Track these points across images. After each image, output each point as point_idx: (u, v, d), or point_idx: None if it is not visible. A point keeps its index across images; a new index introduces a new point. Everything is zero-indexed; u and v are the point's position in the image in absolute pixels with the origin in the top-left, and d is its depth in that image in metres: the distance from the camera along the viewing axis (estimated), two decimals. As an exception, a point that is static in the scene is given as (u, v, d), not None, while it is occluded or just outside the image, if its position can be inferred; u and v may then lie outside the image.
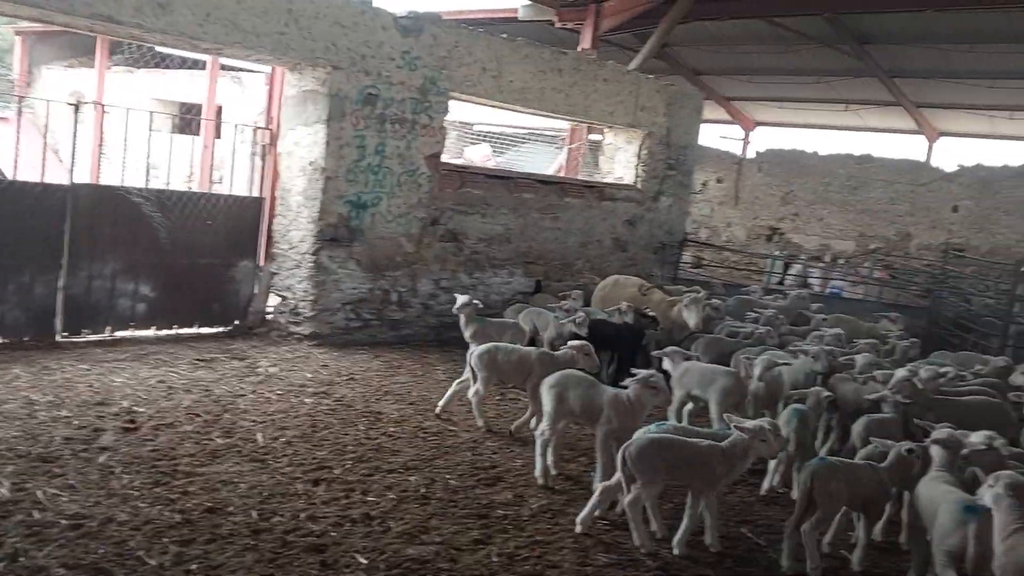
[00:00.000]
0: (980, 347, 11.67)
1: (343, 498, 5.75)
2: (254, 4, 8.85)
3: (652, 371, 6.41)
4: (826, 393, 7.08)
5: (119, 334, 9.34)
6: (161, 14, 8.24)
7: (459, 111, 17.10)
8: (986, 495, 4.47)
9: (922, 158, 24.42)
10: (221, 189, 11.98)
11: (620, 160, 14.16)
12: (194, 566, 4.64)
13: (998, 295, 13.04)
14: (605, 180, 14.11)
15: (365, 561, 4.91)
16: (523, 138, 19.66)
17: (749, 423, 5.51)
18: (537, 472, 6.49)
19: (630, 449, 5.37)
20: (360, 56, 9.80)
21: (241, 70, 16.75)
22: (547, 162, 18.48)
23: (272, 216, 10.33)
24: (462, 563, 5.03)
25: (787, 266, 21.51)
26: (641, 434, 5.65)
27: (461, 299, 9.19)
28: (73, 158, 9.18)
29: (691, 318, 9.65)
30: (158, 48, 16.40)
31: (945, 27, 18.51)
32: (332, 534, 5.21)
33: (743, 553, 5.65)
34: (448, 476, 6.42)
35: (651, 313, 9.77)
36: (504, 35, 11.73)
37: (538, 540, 5.48)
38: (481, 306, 9.39)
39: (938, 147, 25.04)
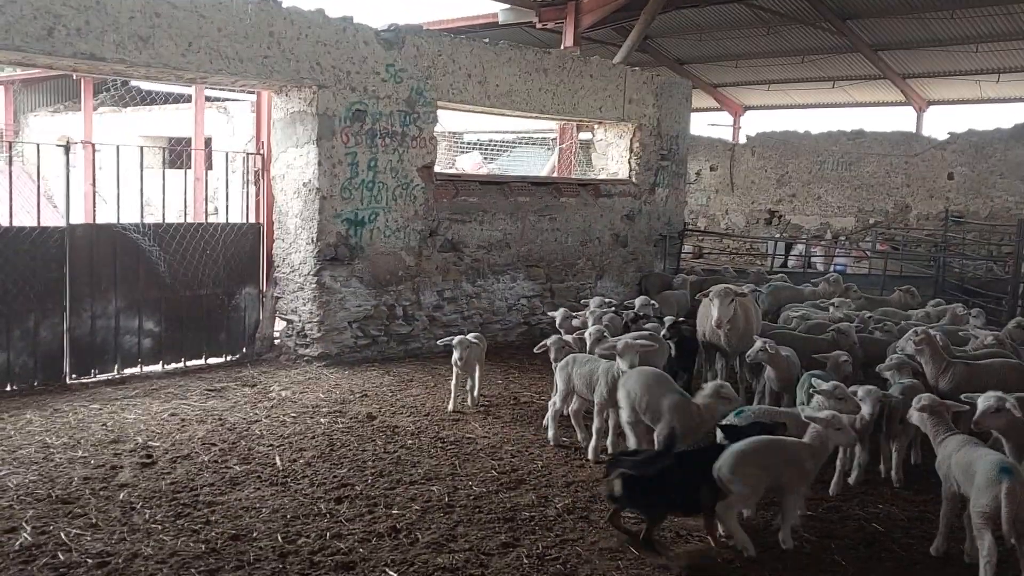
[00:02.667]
0: (989, 310, 11.64)
1: (367, 513, 5.70)
2: (235, 30, 8.84)
3: (723, 381, 6.22)
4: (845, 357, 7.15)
5: (128, 371, 9.30)
6: (143, 47, 8.23)
7: (448, 121, 17.15)
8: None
9: (913, 129, 24.43)
10: (217, 219, 11.96)
11: (613, 155, 14.14)
12: (224, 594, 4.60)
13: (1002, 258, 13.04)
14: (599, 177, 14.08)
15: (395, 574, 4.87)
16: (513, 143, 19.65)
17: (821, 413, 5.50)
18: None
19: (722, 470, 5.18)
20: (345, 73, 9.79)
21: (227, 100, 16.80)
22: (540, 165, 18.48)
23: (271, 241, 10.30)
24: (492, 567, 4.98)
25: (788, 248, 21.50)
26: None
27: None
28: (68, 199, 9.16)
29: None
30: (143, 85, 16.50)
31: (925, -4, 18.54)
32: (360, 550, 5.16)
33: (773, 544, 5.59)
34: (470, 483, 6.37)
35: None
36: (486, 40, 11.72)
37: (567, 539, 5.44)
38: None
39: (929, 116, 25.11)
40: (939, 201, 22.23)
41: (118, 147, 9.75)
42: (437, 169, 11.52)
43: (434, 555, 5.12)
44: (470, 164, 18.51)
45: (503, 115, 12.94)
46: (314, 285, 9.89)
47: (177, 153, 17.11)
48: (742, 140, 26.94)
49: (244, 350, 10.24)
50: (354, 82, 9.88)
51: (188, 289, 9.74)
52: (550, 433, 7.41)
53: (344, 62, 9.78)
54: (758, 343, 7.46)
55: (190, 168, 14.17)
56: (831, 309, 9.96)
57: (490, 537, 5.41)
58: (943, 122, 23.92)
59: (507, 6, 16.10)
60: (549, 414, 7.51)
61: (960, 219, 20.88)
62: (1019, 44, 19.90)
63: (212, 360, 9.99)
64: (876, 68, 22.76)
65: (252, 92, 10.67)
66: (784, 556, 5.22)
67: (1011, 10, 18.52)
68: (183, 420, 7.71)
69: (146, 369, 9.48)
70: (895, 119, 25.56)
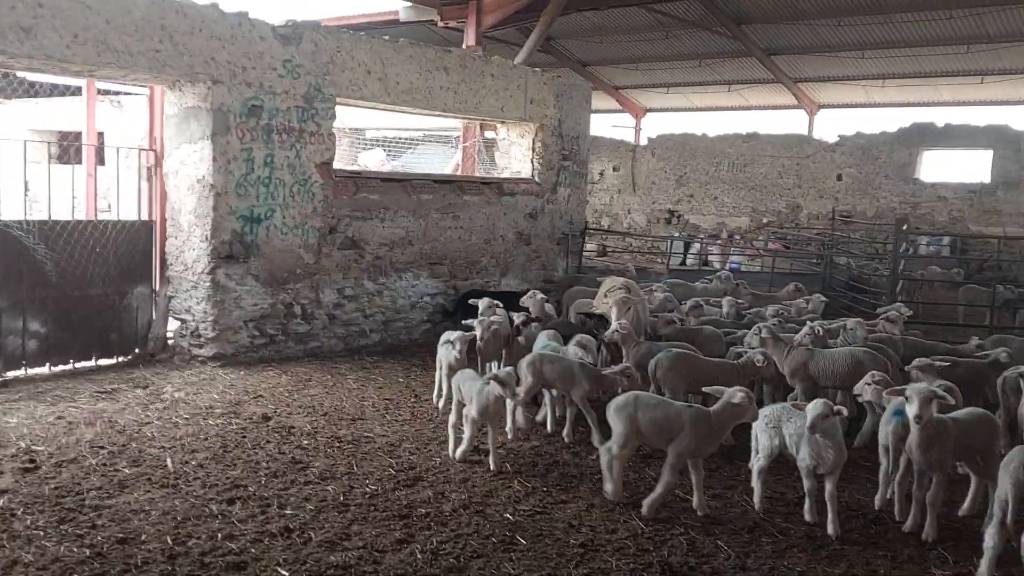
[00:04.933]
0: (872, 306, 12.26)
1: (260, 514, 5.65)
2: (125, 22, 8.61)
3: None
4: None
5: (11, 374, 8.91)
6: (25, 38, 7.93)
7: (350, 118, 17.02)
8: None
9: (805, 131, 25.39)
10: (110, 216, 11.59)
11: (515, 155, 14.28)
12: (108, 599, 4.50)
13: (886, 255, 13.74)
14: (503, 176, 14.20)
15: (287, 573, 4.85)
16: (417, 141, 19.62)
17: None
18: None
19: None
20: (240, 68, 9.63)
21: (121, 93, 16.26)
22: (443, 163, 18.50)
23: (164, 238, 10.05)
24: (385, 564, 5.02)
25: (687, 246, 22.08)
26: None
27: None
28: (-57, 195, 8.76)
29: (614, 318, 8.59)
30: (29, 76, 15.82)
31: (814, 3, 19.30)
32: (252, 550, 5.12)
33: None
34: (367, 482, 6.38)
35: (597, 311, 9.60)
36: (386, 37, 11.69)
37: (461, 533, 5.51)
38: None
39: (819, 120, 26.10)
40: (828, 201, 23.18)
41: (-1, 141, 9.36)
42: (338, 166, 11.44)
43: (327, 553, 5.12)
44: (373, 161, 18.41)
45: (404, 112, 12.92)
46: (208, 284, 9.69)
47: (66, 148, 16.50)
48: (643, 142, 27.54)
49: (136, 351, 9.96)
50: (250, 78, 9.73)
51: (77, 288, 9.41)
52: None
53: (239, 57, 9.63)
54: (613, 325, 8.27)
55: (80, 163, 13.70)
56: (723, 305, 10.36)
57: (384, 534, 5.44)
58: (833, 125, 24.91)
59: (409, 4, 16.08)
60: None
61: (848, 218, 21.82)
62: (900, 52, 20.91)
63: (103, 361, 9.68)
64: (769, 72, 23.56)
65: (144, 86, 10.40)
66: (670, 561, 5.38)
67: (892, 19, 19.46)
68: (70, 423, 7.47)
69: (31, 371, 9.12)
70: (789, 122, 26.47)
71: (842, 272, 15.15)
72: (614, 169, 27.26)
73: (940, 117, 22.49)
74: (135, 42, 8.69)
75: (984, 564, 4.94)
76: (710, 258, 21.35)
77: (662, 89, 26.92)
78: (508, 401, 6.82)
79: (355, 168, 15.46)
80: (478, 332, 8.20)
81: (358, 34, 11.30)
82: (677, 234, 23.55)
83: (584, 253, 16.72)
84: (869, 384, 6.44)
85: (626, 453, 6.06)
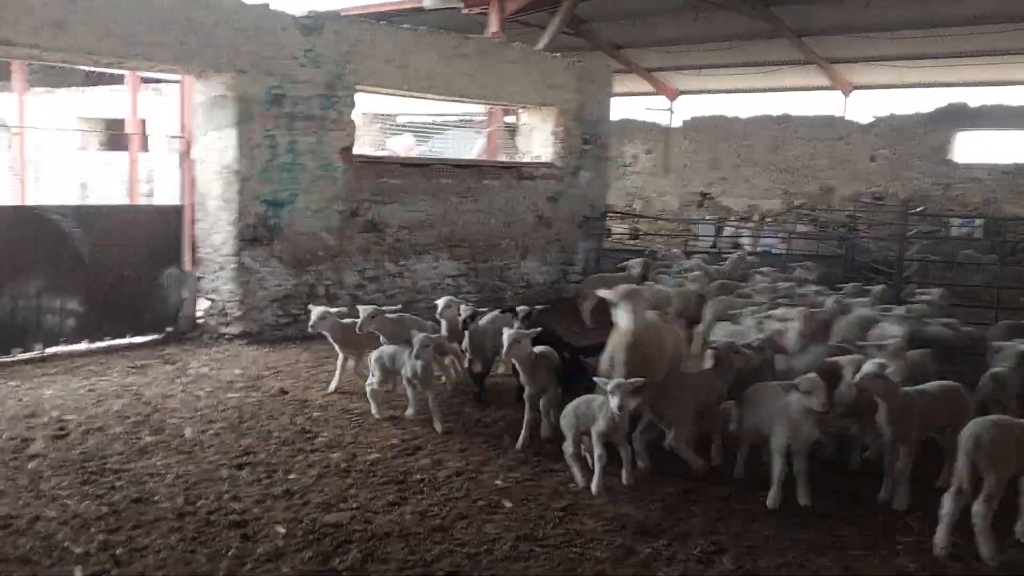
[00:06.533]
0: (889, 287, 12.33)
1: (265, 479, 6.08)
2: (153, 16, 9.06)
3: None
4: None
5: (50, 350, 9.49)
6: (58, 33, 8.42)
7: (379, 104, 17.43)
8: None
9: (839, 113, 25.22)
10: (153, 201, 12.16)
11: (537, 139, 14.52)
12: (119, 551, 4.95)
13: (909, 238, 13.77)
14: (524, 159, 14.48)
15: (283, 531, 5.26)
16: (445, 126, 19.97)
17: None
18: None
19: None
20: (263, 58, 10.05)
21: (161, 81, 16.84)
22: (470, 148, 18.83)
23: (193, 222, 10.54)
24: (376, 523, 5.40)
25: (719, 229, 22.15)
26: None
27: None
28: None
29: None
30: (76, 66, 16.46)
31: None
32: (254, 511, 5.55)
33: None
34: (369, 450, 6.77)
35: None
36: (406, 25, 12.03)
37: (451, 497, 5.88)
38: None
39: (853, 100, 25.88)
40: (862, 183, 23.09)
41: (48, 130, 9.89)
42: (368, 150, 11.84)
43: (323, 514, 5.53)
44: (402, 146, 18.81)
45: (424, 99, 13.26)
46: (234, 265, 10.17)
47: (113, 135, 17.14)
48: (676, 124, 27.58)
49: (169, 329, 10.47)
50: (273, 67, 10.15)
51: (112, 269, 9.94)
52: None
53: (262, 47, 10.04)
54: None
55: (124, 150, 14.29)
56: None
57: (379, 497, 5.83)
58: (867, 106, 24.67)
59: (433, -10, 16.39)
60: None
61: (880, 201, 21.72)
62: (933, 32, 20.69)
63: (136, 339, 10.20)
64: (801, 53, 23.44)
65: (176, 75, 10.88)
66: (644, 522, 5.70)
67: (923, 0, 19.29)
68: (100, 395, 7.98)
69: (69, 348, 9.67)
70: (823, 103, 26.26)
71: (863, 254, 15.19)
72: (647, 152, 27.36)
73: (974, 98, 22.24)
74: (162, 35, 9.15)
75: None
76: (741, 240, 21.41)
77: (694, 71, 26.88)
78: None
79: (374, 153, 15.84)
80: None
81: (378, 23, 11.65)
82: (707, 217, 23.60)
83: (614, 236, 16.94)
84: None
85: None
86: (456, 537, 5.30)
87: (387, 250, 11.77)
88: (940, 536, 5.16)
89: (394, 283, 11.91)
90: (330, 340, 8.42)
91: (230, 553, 4.97)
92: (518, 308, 8.30)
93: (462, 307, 8.71)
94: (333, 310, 8.46)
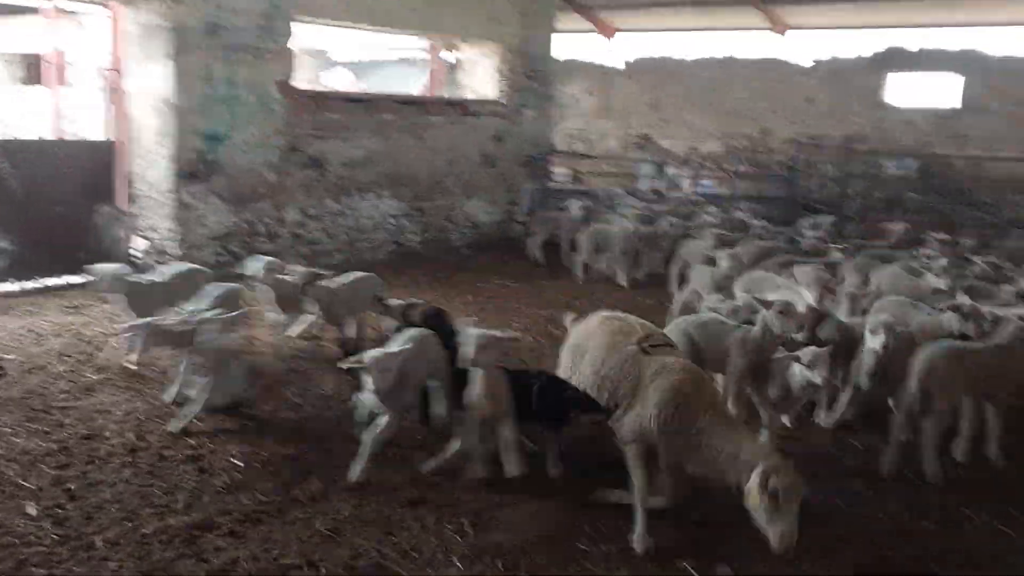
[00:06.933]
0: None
1: (220, 415, 5.98)
2: (79, -62, 8.62)
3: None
4: None
5: (-20, 291, 9.16)
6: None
7: (315, 39, 16.95)
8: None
9: (779, 56, 25.35)
10: (75, 137, 11.67)
11: (480, 76, 14.30)
12: (73, 485, 4.84)
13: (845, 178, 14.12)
14: (467, 96, 14.26)
15: (240, 462, 5.20)
16: (384, 62, 19.56)
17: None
18: None
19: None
20: (199, -14, 9.66)
21: (83, 13, 16.08)
22: (411, 86, 18.49)
23: (126, 158, 10.18)
24: (335, 454, 5.37)
25: (661, 170, 22.26)
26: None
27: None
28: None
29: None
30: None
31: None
32: (209, 445, 5.47)
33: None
34: (321, 388, 6.71)
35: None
36: (348, -46, 11.66)
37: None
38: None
39: (793, 44, 25.99)
40: (800, 126, 23.34)
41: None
42: (305, 87, 11.53)
43: (280, 447, 5.48)
44: (339, 83, 18.38)
45: (363, 30, 12.92)
46: (172, 202, 9.89)
47: (33, 69, 16.38)
48: (620, 65, 27.41)
49: (105, 269, 10.16)
50: (209, -5, 9.77)
51: (43, 206, 9.58)
52: None
53: (198, -25, 9.65)
54: None
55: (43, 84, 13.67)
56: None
57: (338, 431, 5.79)
58: (807, 49, 24.82)
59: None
60: None
61: (817, 142, 22.02)
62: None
63: (72, 279, 9.86)
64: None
65: (105, 5, 10.39)
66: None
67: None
68: (39, 335, 7.73)
69: (1, 288, 9.34)
70: (764, 45, 26.33)
71: (806, 195, 15.48)
72: (589, 94, 27.20)
73: (912, 41, 22.51)
74: (90, -41, 8.72)
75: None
76: (681, 182, 21.58)
77: (631, 9, 26.64)
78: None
79: (315, 87, 15.46)
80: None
81: (319, -49, 11.28)
82: (649, 157, 23.69)
83: (555, 178, 16.90)
84: None
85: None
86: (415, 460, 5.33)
87: (328, 188, 11.55)
88: (888, 458, 5.34)
89: (336, 222, 11.72)
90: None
91: (188, 485, 4.90)
92: (390, 301, 6.61)
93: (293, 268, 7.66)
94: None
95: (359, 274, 7.83)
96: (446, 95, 15.00)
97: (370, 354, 4.91)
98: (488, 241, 13.78)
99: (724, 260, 8.85)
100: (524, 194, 14.62)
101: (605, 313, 5.33)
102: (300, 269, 7.60)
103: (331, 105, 11.54)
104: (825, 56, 23.48)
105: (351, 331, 7.57)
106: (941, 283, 7.48)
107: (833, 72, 22.97)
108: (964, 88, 20.98)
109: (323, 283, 7.31)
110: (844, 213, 12.35)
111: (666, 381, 4.51)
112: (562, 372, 5.22)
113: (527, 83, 14.40)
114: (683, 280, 9.48)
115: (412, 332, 5.48)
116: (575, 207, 12.47)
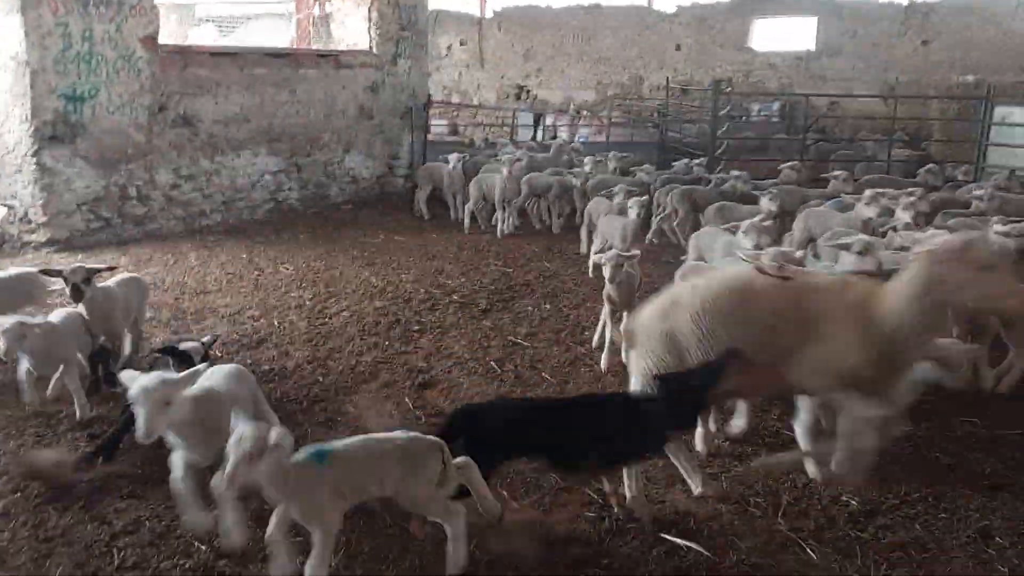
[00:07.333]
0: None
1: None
2: None
3: None
4: None
5: None
6: None
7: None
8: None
9: (645, 3, 25.78)
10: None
11: (351, 26, 14.01)
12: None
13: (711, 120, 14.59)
14: (339, 48, 13.96)
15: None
16: (249, 16, 18.89)
17: None
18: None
19: None
20: (46, -66, 9.07)
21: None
22: (280, 40, 17.94)
23: (-22, 121, 9.56)
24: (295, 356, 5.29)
25: (538, 120, 22.41)
26: None
27: None
28: None
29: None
30: None
31: None
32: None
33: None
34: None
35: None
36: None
37: (303, 384, 5.82)
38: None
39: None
40: (669, 72, 23.87)
41: None
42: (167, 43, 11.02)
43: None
44: (205, 39, 17.65)
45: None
46: (33, 167, 9.36)
47: None
48: (489, 15, 27.29)
49: (-39, 240, 9.59)
50: (59, -55, 9.19)
51: None
52: None
53: (44, -79, 9.04)
54: None
55: None
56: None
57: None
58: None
59: None
60: None
61: (685, 88, 22.60)
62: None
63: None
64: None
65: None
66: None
67: None
68: None
69: None
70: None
71: (676, 140, 15.90)
72: (461, 44, 27.00)
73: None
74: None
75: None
76: (559, 132, 21.81)
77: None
78: None
79: (181, 43, 14.80)
80: None
81: (174, -103, 10.75)
82: (524, 108, 23.80)
83: (435, 130, 16.76)
84: None
85: None
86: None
87: (201, 146, 11.15)
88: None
89: (211, 182, 11.34)
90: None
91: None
92: (184, 345, 5.14)
93: None
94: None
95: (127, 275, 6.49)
96: (316, 47, 14.62)
97: None
98: (370, 195, 13.63)
99: (634, 209, 8.78)
100: (403, 146, 14.49)
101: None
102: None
103: (199, 61, 11.07)
104: (687, 2, 24.03)
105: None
106: (871, 211, 7.80)
107: (697, 18, 23.55)
108: (818, 31, 21.90)
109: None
110: (715, 155, 12.72)
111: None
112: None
113: (400, 33, 14.20)
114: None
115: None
116: (454, 159, 12.40)
